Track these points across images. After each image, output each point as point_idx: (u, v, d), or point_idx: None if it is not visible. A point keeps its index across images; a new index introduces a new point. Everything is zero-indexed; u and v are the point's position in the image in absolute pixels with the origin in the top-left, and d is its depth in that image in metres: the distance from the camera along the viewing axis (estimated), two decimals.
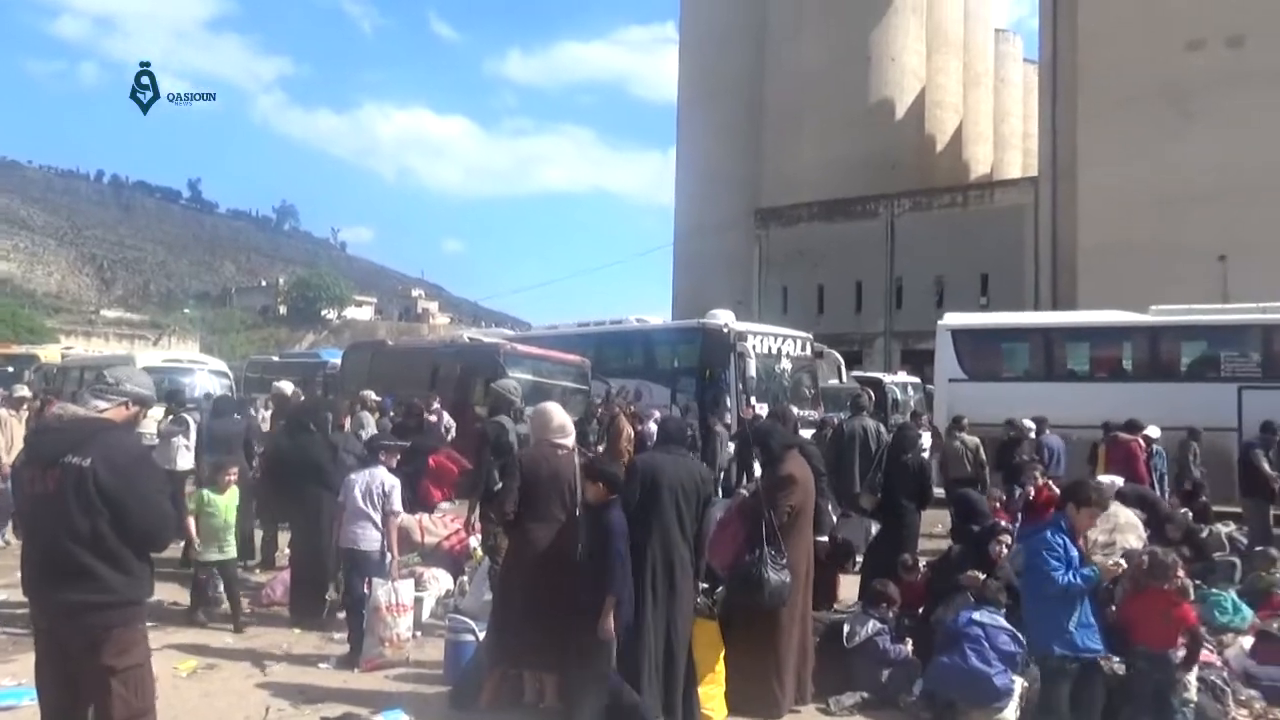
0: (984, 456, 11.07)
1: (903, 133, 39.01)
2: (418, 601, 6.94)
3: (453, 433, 13.28)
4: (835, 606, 6.94)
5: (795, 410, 12.05)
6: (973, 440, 11.18)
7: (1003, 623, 5.68)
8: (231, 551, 7.26)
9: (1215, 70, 26.83)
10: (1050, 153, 32.36)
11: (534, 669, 5.19)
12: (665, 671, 4.87)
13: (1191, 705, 4.89)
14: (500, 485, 6.15)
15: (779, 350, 17.51)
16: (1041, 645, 4.73)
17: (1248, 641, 6.31)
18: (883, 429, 10.39)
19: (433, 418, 13.06)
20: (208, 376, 18.58)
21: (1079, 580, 4.57)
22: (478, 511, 7.52)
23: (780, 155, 39.47)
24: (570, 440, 5.36)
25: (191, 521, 7.12)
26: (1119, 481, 9.69)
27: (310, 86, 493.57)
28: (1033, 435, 11.63)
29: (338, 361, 22.55)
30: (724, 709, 5.27)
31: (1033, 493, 9.60)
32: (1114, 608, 5.22)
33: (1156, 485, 10.83)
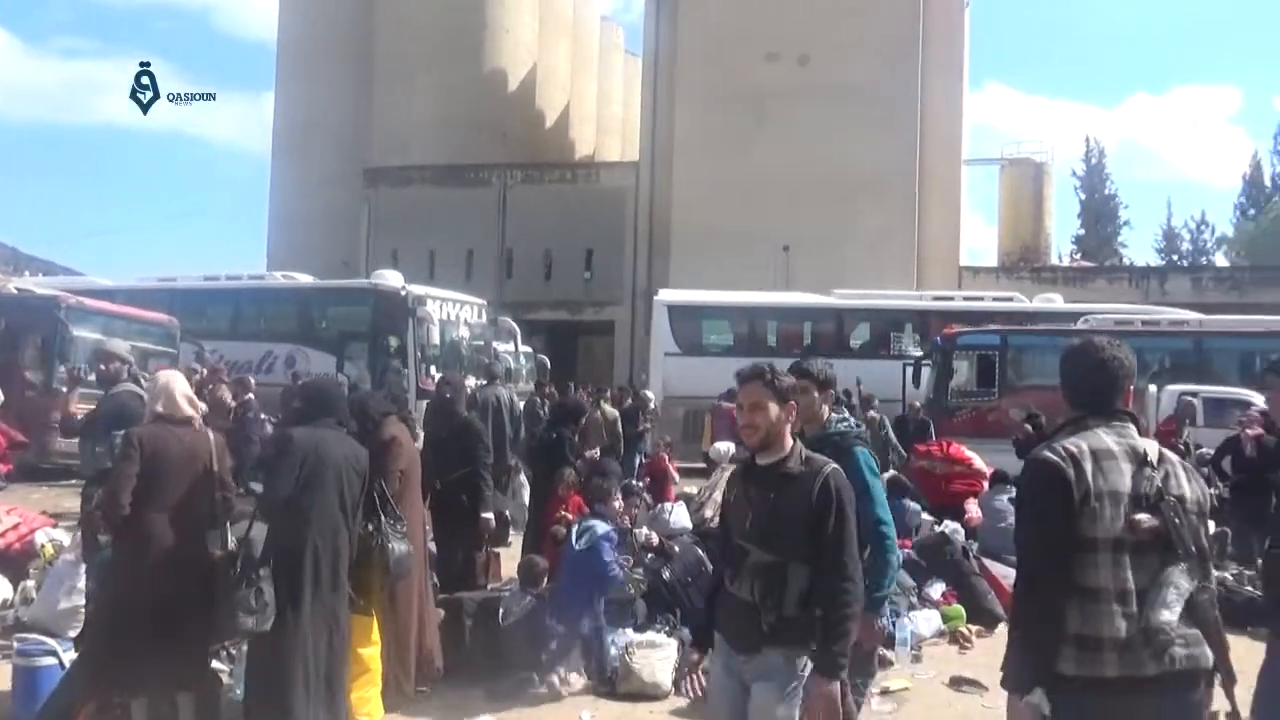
0: (620, 429, 11.51)
1: (515, 105, 39.42)
2: None
3: None
4: (494, 585, 6.70)
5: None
6: (611, 412, 11.57)
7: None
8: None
9: (787, 82, 30.52)
10: (650, 141, 34.69)
11: (159, 690, 4.31)
12: (330, 676, 4.28)
13: None
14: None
15: (458, 316, 16.72)
16: None
17: None
18: (515, 398, 10.32)
19: None
20: None
21: None
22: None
23: (391, 113, 37.92)
24: (198, 413, 4.50)
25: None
26: (732, 447, 10.59)
27: None
28: (652, 405, 12.33)
29: None
30: (380, 710, 4.80)
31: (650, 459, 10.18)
32: None
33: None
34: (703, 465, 10.60)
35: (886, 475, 10.31)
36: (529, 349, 24.40)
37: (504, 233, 34.59)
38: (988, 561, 7.70)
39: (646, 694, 5.33)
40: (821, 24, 30.10)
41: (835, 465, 3.17)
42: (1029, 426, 10.94)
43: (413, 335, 15.22)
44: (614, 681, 5.43)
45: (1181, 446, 12.21)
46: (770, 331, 18.83)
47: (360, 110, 38.75)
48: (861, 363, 16.94)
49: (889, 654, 6.17)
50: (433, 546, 6.80)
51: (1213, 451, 10.00)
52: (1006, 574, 7.57)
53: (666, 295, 19.00)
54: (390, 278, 16.50)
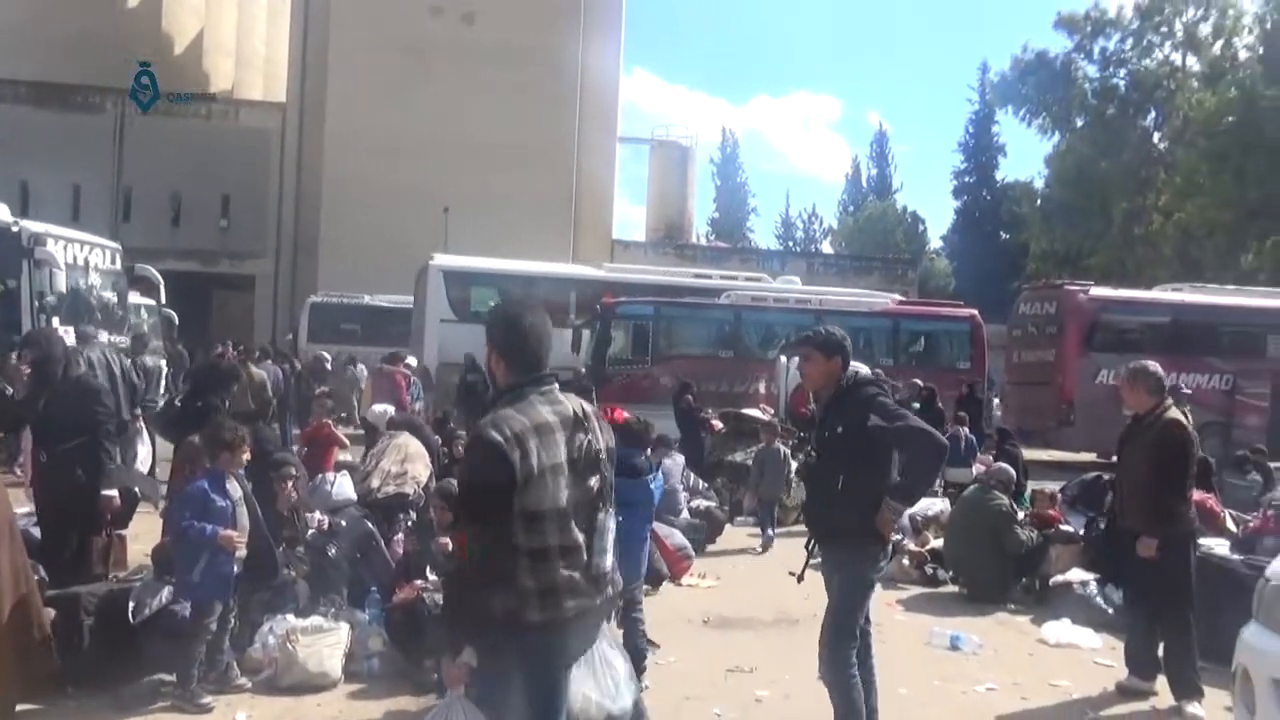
0: (270, 393, 10.47)
1: (136, 24, 34.50)
2: None
3: None
4: (119, 574, 5.71)
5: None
6: (260, 375, 10.46)
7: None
8: None
9: (451, 39, 29.75)
10: (299, 84, 32.19)
11: None
12: None
13: None
14: None
15: (86, 261, 13.95)
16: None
17: None
18: (125, 359, 8.91)
19: None
20: None
21: None
22: None
23: None
24: None
25: None
26: (390, 410, 10.05)
27: None
28: (329, 366, 11.40)
29: None
30: None
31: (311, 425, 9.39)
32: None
33: (419, 412, 11.59)
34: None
35: None
36: (151, 301, 21.63)
37: (120, 168, 30.29)
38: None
39: (313, 685, 4.82)
40: None
41: None
42: (689, 397, 11.59)
43: (29, 281, 12.59)
44: (274, 675, 4.85)
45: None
46: (540, 301, 18.79)
47: None
48: None
49: None
50: (36, 531, 5.70)
51: None
52: (670, 533, 7.93)
53: (441, 260, 18.63)
54: None
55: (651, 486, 5.18)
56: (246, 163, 30.71)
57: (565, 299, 19.16)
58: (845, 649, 4.01)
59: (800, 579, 4.28)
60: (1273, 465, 11.68)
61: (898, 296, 22.59)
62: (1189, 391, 11.40)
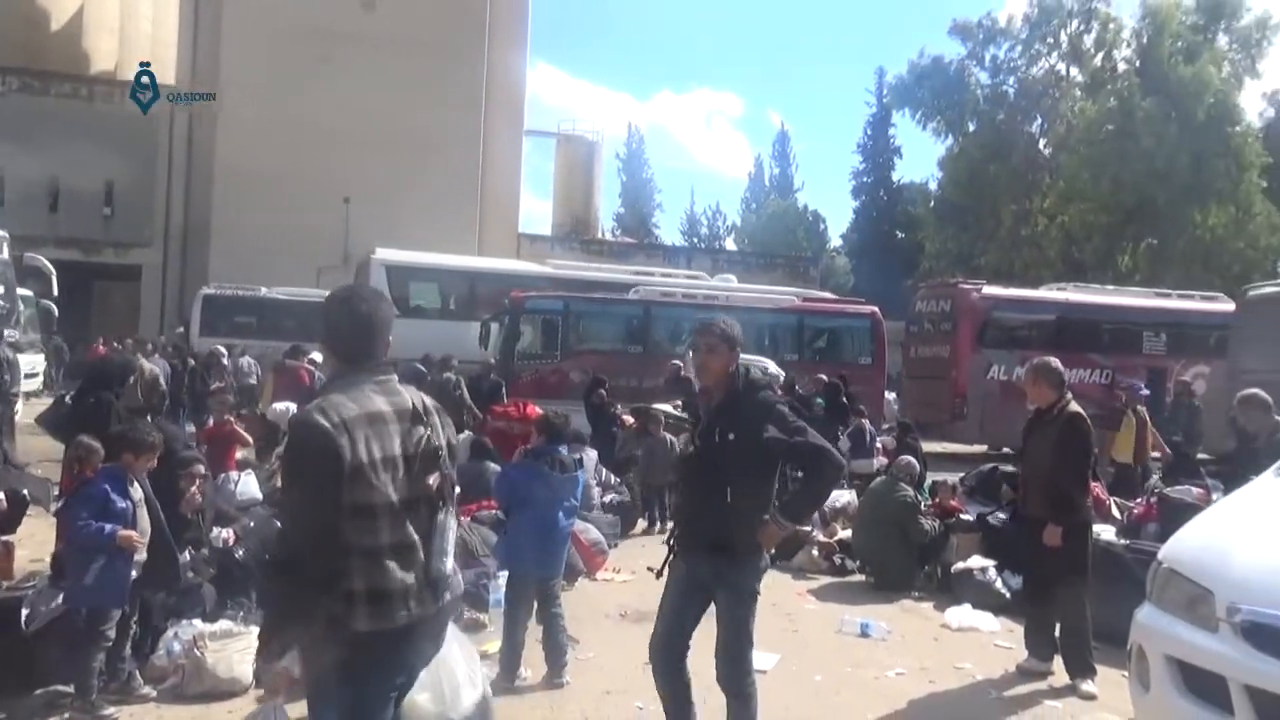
0: (163, 388, 10.02)
1: None
2: None
3: None
4: (4, 583, 5.37)
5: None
6: (153, 370, 9.98)
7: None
8: None
9: (352, 25, 28.97)
10: (189, 66, 30.88)
11: None
12: None
13: None
14: None
15: None
16: None
17: None
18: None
19: None
20: None
21: None
22: None
23: None
24: None
25: None
26: (293, 407, 9.78)
27: None
28: (225, 361, 10.93)
29: None
30: None
31: (212, 423, 9.05)
32: None
33: None
34: None
35: (463, 436, 10.30)
36: (29, 292, 20.43)
37: None
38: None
39: (223, 691, 4.65)
40: None
41: None
42: (601, 392, 11.58)
43: None
44: (181, 683, 4.66)
45: None
46: (481, 298, 18.80)
47: None
48: None
49: (482, 617, 6.10)
50: None
51: None
52: (585, 529, 7.92)
53: (384, 254, 18.31)
54: None
55: (579, 481, 5.17)
56: (131, 147, 29.24)
57: (508, 295, 19.10)
58: (746, 657, 3.88)
59: (659, 575, 4.03)
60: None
61: (827, 294, 23.23)
62: (1147, 393, 11.98)
